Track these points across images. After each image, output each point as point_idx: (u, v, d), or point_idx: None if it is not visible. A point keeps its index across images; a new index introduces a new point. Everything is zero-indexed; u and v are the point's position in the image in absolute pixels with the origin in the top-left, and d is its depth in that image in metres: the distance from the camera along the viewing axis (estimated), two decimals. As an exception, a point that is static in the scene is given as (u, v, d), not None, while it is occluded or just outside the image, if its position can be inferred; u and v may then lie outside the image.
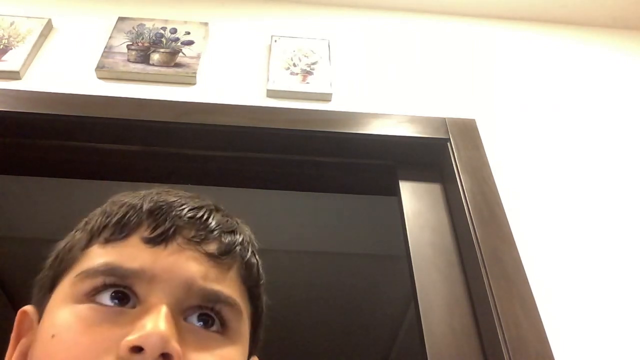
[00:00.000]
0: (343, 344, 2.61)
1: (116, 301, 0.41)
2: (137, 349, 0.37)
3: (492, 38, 1.40)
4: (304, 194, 1.80)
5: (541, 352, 0.80)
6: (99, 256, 0.44)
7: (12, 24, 1.21)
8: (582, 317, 0.88)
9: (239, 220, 0.52)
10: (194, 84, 1.17)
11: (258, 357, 0.53)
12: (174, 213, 0.46)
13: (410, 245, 0.99)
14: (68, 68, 1.16)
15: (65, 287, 0.44)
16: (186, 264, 0.44)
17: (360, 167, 1.16)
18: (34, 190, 1.74)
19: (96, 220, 0.47)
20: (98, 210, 0.49)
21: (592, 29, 1.48)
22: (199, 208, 0.48)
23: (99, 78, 1.15)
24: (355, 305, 2.42)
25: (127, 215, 0.45)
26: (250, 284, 0.49)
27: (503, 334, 0.81)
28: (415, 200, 1.07)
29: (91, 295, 0.42)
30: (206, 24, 1.29)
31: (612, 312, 0.89)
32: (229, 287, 0.46)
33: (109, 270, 0.42)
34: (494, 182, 1.03)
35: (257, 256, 0.52)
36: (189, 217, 0.46)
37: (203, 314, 0.43)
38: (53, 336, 0.40)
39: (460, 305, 0.92)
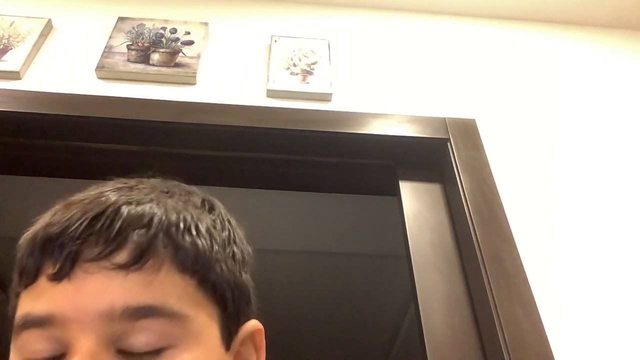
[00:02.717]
0: (343, 343, 2.61)
1: (45, 355, 0.38)
2: None
3: (492, 38, 1.40)
4: (304, 194, 1.80)
5: (541, 352, 0.80)
6: (19, 309, 0.41)
7: (12, 24, 1.21)
8: (582, 317, 0.88)
9: (159, 199, 0.44)
10: (194, 84, 1.17)
11: (258, 321, 0.50)
12: (68, 236, 0.39)
13: (410, 245, 0.99)
14: (68, 68, 1.16)
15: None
16: (97, 292, 0.38)
17: (360, 167, 1.16)
18: (34, 190, 1.74)
19: (15, 263, 0.43)
20: None
21: (592, 29, 1.48)
22: (99, 216, 0.40)
23: (99, 78, 1.15)
24: (355, 305, 2.42)
25: (26, 258, 0.41)
26: (197, 266, 0.42)
27: (503, 334, 0.81)
28: (415, 200, 1.07)
29: (26, 353, 0.39)
30: (206, 24, 1.29)
31: (612, 312, 0.89)
32: (159, 292, 0.39)
33: (27, 323, 0.39)
34: (494, 182, 1.03)
35: (194, 230, 0.44)
36: (87, 234, 0.39)
37: (139, 336, 0.38)
38: None
39: (460, 305, 0.92)
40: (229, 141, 1.10)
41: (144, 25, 1.26)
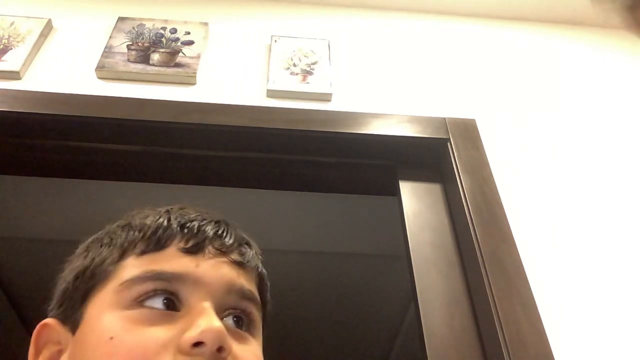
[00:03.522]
0: (343, 343, 2.61)
1: (165, 305, 0.46)
2: (198, 344, 0.42)
3: (492, 38, 1.40)
4: (304, 194, 1.80)
5: (541, 352, 0.80)
6: (138, 266, 0.47)
7: (12, 24, 1.21)
8: (582, 317, 0.88)
9: (245, 234, 0.57)
10: (194, 84, 1.17)
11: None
12: (201, 227, 0.51)
13: (410, 245, 0.99)
14: (68, 68, 1.16)
15: (107, 296, 0.47)
16: (223, 268, 0.49)
17: (360, 167, 1.16)
18: (34, 190, 1.74)
19: (126, 236, 0.51)
20: (118, 226, 0.53)
21: (592, 29, 1.48)
22: (218, 223, 0.53)
23: (99, 78, 1.15)
24: (355, 305, 2.42)
25: (161, 229, 0.50)
26: (263, 290, 0.55)
27: (503, 334, 0.81)
28: (415, 200, 1.07)
29: (139, 301, 0.45)
30: (206, 24, 1.29)
31: (612, 312, 0.89)
32: (255, 288, 0.52)
33: (156, 276, 0.46)
34: (494, 182, 1.03)
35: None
36: (213, 231, 0.51)
37: (236, 315, 0.48)
38: (111, 338, 0.43)
39: (460, 305, 0.92)
40: (229, 141, 1.10)
41: (144, 25, 1.26)
